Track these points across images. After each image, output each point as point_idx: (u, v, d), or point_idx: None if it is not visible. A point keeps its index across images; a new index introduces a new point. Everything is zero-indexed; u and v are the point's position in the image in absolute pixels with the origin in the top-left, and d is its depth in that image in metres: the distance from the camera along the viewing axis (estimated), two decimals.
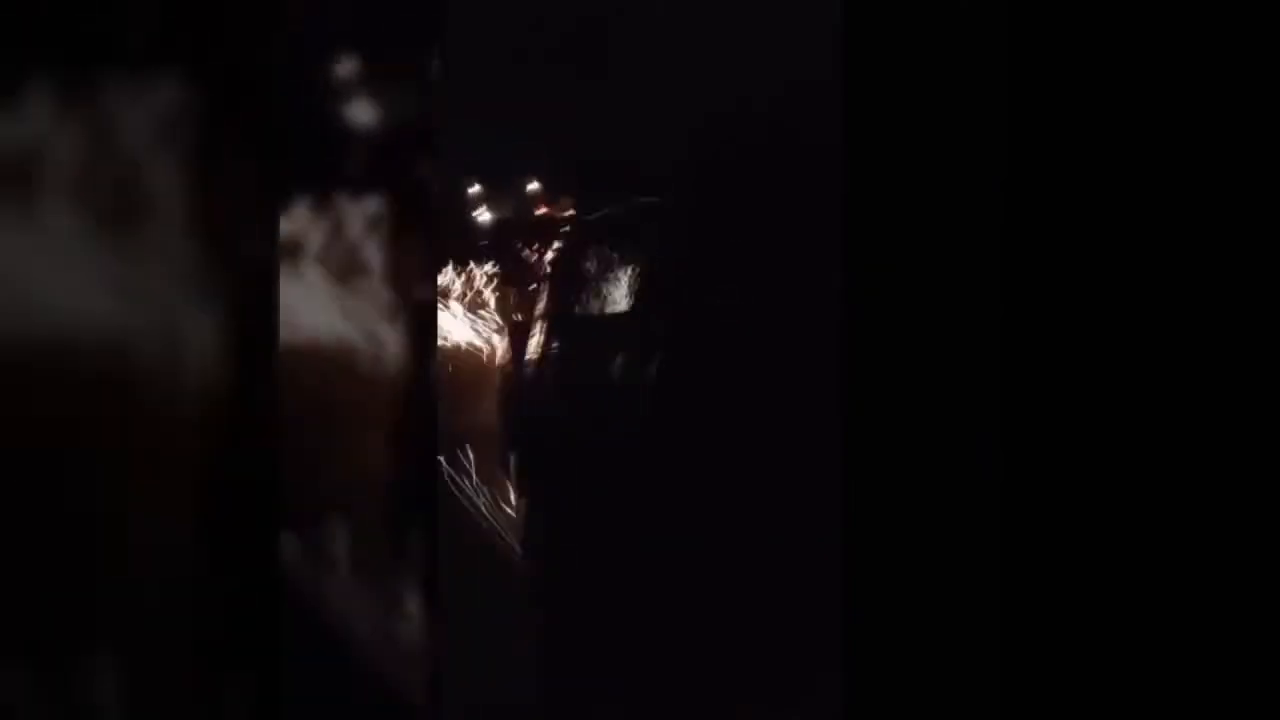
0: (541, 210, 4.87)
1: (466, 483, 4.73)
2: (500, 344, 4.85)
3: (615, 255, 4.57)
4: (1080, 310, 2.82)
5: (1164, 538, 2.79)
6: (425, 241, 3.68)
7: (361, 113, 3.60)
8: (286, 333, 3.27)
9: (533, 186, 4.88)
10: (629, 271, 4.52)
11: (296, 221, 3.52)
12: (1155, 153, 2.80)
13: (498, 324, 4.87)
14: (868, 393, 3.03)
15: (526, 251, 4.85)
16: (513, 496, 4.71)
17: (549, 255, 4.79)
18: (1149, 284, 2.80)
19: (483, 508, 4.73)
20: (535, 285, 4.82)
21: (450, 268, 4.83)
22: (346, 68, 3.59)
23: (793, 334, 4.12)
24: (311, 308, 3.55)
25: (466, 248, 4.89)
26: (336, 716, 3.42)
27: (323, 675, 3.39)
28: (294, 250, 3.52)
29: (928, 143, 2.96)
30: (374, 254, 3.62)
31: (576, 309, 4.61)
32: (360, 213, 3.61)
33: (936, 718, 2.98)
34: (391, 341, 3.62)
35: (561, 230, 4.78)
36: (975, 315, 2.90)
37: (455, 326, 4.85)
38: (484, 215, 4.93)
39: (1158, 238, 2.79)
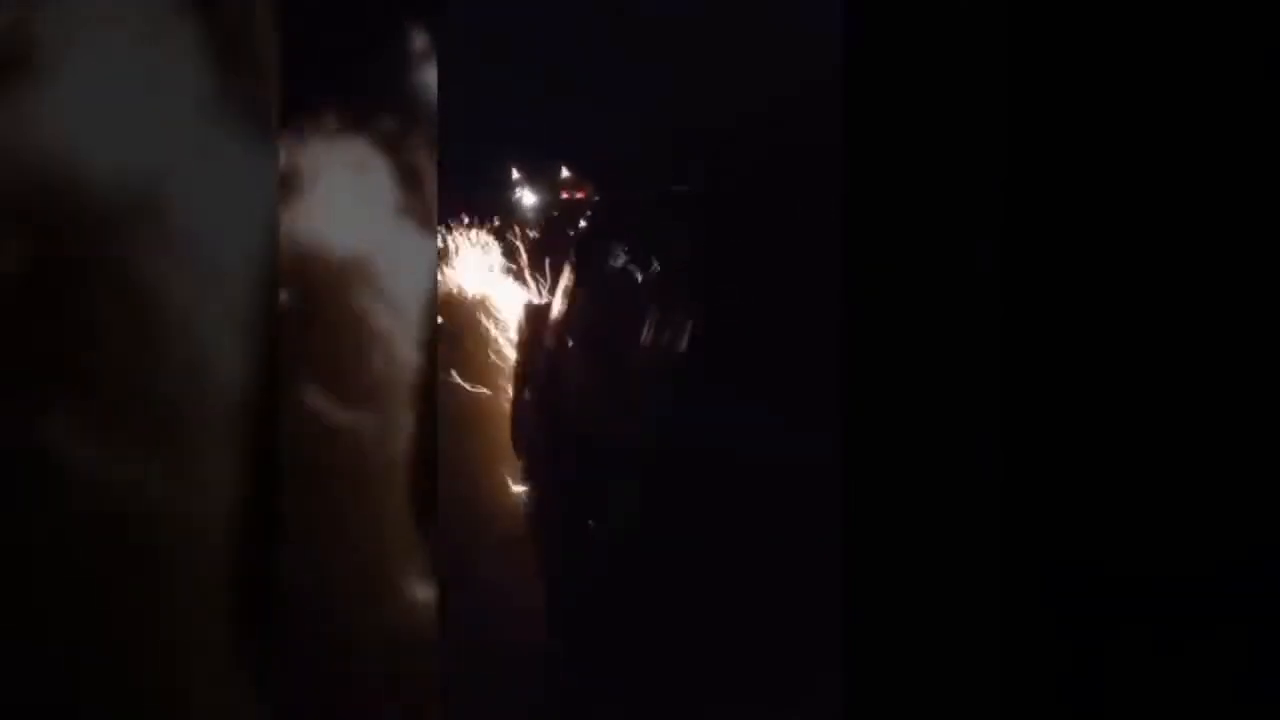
0: (561, 195, 4.87)
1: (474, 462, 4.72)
2: (515, 325, 4.85)
3: (623, 248, 4.57)
4: (1079, 310, 2.82)
5: (1163, 536, 2.79)
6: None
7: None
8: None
9: (540, 176, 4.88)
10: (635, 266, 4.52)
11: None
12: (1155, 153, 2.80)
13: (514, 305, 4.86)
14: (868, 393, 3.02)
15: (540, 236, 4.86)
16: (519, 481, 4.70)
17: (561, 240, 4.79)
18: (1148, 284, 2.79)
19: (490, 489, 4.72)
20: (547, 269, 4.83)
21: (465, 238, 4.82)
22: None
23: (793, 333, 4.11)
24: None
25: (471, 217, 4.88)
26: (333, 695, 3.42)
27: (318, 657, 3.39)
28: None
29: (928, 143, 2.96)
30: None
31: (587, 299, 4.61)
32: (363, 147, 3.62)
33: (936, 718, 2.98)
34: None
35: (575, 219, 4.78)
36: (975, 315, 2.90)
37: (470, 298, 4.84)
38: (500, 196, 4.92)
39: (1157, 238, 2.79)
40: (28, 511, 2.91)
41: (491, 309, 4.83)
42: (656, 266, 4.49)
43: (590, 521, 4.43)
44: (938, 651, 2.96)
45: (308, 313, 3.56)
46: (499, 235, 4.84)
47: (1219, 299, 2.77)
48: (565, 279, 4.72)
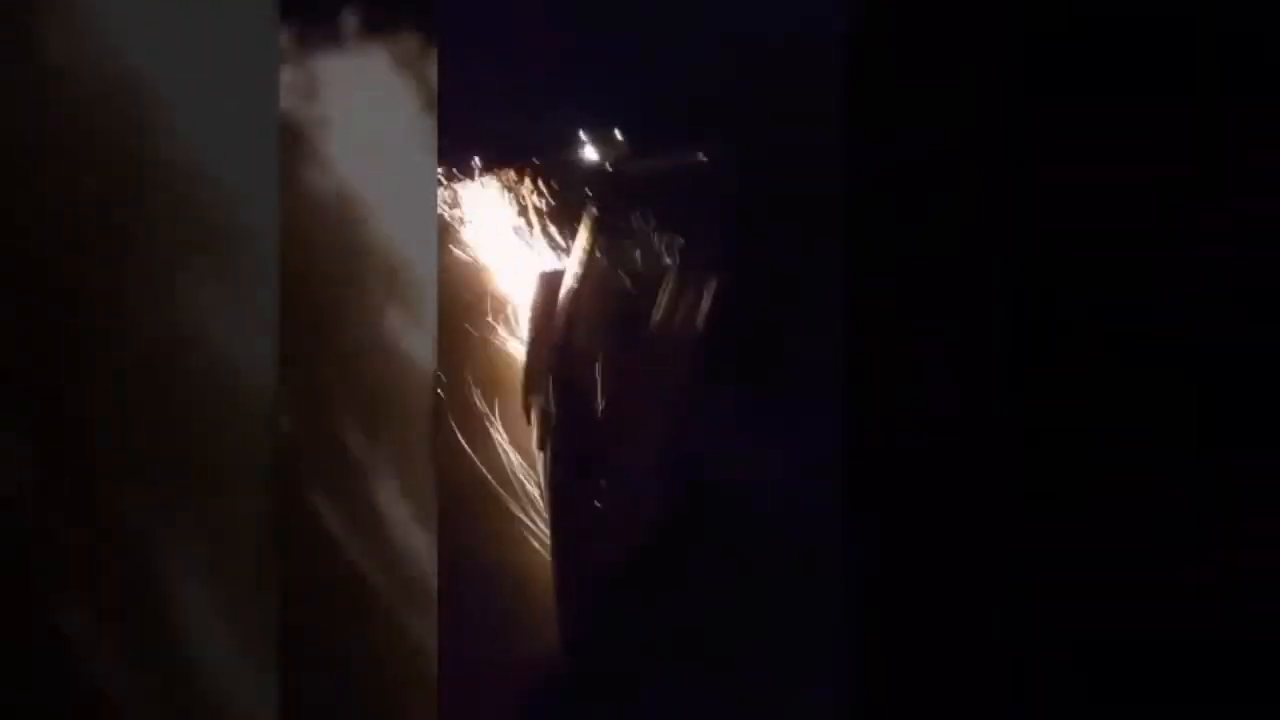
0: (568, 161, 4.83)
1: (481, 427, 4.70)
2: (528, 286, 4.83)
3: (638, 214, 4.56)
4: (1081, 309, 2.82)
5: (1165, 537, 2.79)
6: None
7: None
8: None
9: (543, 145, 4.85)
10: (652, 234, 4.50)
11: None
12: (1156, 152, 2.80)
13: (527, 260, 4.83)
14: (868, 393, 3.02)
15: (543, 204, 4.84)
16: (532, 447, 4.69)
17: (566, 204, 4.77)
18: (1149, 283, 2.80)
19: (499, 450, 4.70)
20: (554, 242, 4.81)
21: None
22: None
23: (792, 332, 4.11)
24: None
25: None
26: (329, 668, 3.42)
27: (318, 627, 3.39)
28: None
29: (928, 142, 2.96)
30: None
31: (602, 265, 4.60)
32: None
33: (936, 718, 2.98)
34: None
35: (592, 183, 4.75)
36: (975, 315, 2.89)
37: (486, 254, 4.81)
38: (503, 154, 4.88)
39: (1158, 237, 2.79)
40: None
41: (503, 268, 4.80)
42: (678, 239, 4.46)
43: (597, 501, 4.43)
44: (938, 652, 2.96)
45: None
46: (513, 196, 4.82)
47: (1222, 299, 2.77)
48: (581, 243, 4.69)
